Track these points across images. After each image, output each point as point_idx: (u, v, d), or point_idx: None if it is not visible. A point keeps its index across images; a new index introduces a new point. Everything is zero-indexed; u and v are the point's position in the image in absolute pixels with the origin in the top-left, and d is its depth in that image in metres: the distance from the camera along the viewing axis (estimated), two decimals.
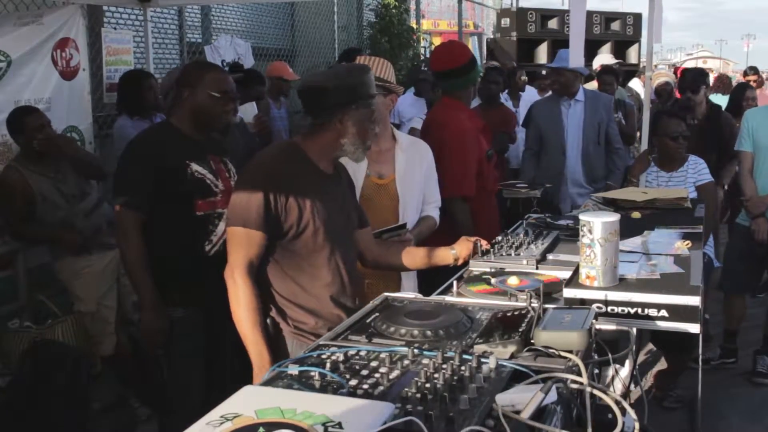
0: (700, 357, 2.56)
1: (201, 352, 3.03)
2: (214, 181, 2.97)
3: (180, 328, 2.99)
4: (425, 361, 1.57)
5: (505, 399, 1.35)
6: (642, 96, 7.19)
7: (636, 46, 10.39)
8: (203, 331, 3.01)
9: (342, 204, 2.55)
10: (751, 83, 8.67)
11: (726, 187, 5.18)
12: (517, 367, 1.51)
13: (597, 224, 2.05)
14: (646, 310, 1.99)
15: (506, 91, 6.96)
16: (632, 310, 2.00)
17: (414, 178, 3.19)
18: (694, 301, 1.96)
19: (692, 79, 5.39)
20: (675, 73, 9.61)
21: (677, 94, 6.14)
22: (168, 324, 2.98)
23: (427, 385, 1.44)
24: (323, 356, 1.63)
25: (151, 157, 2.93)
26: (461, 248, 2.62)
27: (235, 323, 2.33)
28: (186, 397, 3.02)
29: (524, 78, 7.35)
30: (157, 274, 2.96)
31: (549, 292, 2.10)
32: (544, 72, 8.17)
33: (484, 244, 2.64)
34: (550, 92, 6.14)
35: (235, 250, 2.33)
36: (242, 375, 2.51)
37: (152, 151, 2.95)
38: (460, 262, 2.64)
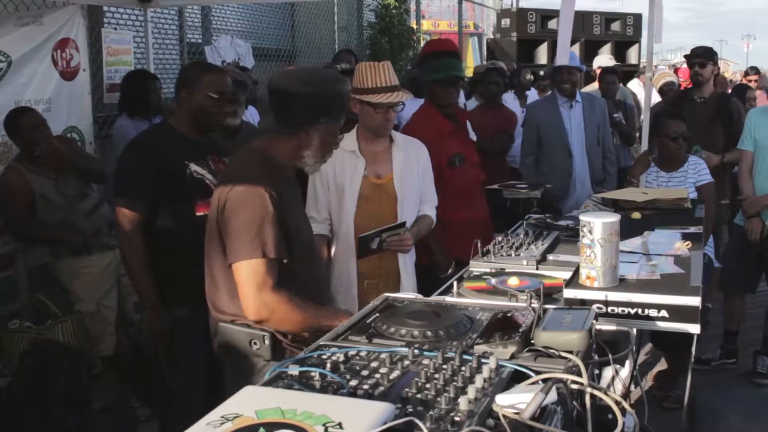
0: (692, 356, 2.55)
1: (202, 352, 3.03)
2: (214, 181, 2.97)
3: (182, 329, 3.00)
4: (425, 361, 1.57)
5: (505, 399, 1.35)
6: (639, 96, 7.22)
7: (636, 46, 10.40)
8: (205, 331, 3.01)
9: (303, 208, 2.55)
10: (752, 83, 8.68)
11: (725, 159, 5.09)
12: (518, 368, 1.51)
13: (597, 225, 2.05)
14: (646, 311, 1.99)
15: (512, 91, 6.97)
16: (632, 311, 2.00)
17: (411, 176, 3.20)
18: (695, 301, 1.96)
19: (702, 52, 5.27)
20: (675, 73, 9.61)
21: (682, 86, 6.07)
22: (170, 324, 2.99)
23: (428, 386, 1.44)
24: (323, 356, 1.63)
25: (150, 157, 2.93)
26: None
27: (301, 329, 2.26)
28: (187, 397, 3.02)
29: (529, 77, 7.35)
30: (158, 275, 2.97)
31: (549, 293, 2.10)
32: (542, 72, 8.15)
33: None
34: (549, 92, 6.12)
35: (257, 284, 2.17)
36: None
37: (151, 152, 2.95)
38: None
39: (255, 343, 2.29)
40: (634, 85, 8.00)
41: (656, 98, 6.61)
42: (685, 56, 5.46)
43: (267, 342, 2.27)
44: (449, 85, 3.69)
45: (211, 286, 2.39)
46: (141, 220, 2.93)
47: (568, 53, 4.48)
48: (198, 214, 2.94)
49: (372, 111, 3.03)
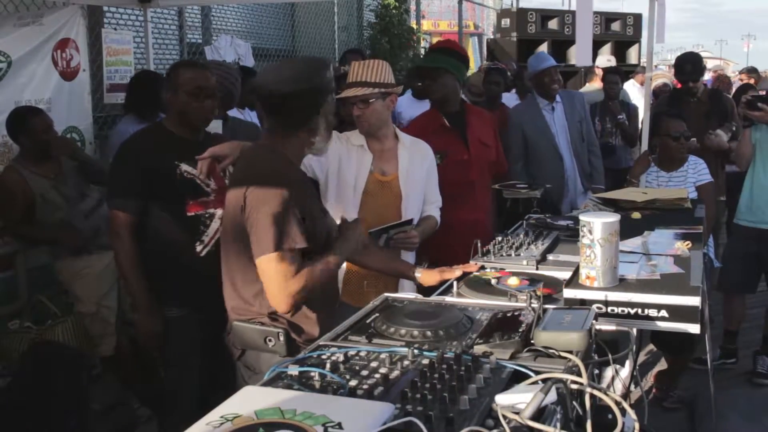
0: (709, 358, 2.58)
1: (196, 351, 3.03)
2: (205, 180, 2.95)
3: (175, 328, 3.00)
4: (425, 361, 1.57)
5: (504, 399, 1.35)
6: (631, 96, 7.23)
7: (636, 46, 10.39)
8: (199, 331, 3.00)
9: (320, 203, 2.56)
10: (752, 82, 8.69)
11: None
12: (517, 368, 1.51)
13: (597, 225, 2.05)
14: (646, 311, 1.99)
15: (514, 90, 6.96)
16: (632, 311, 2.00)
17: (416, 176, 3.20)
18: (694, 301, 1.96)
19: (692, 70, 5.36)
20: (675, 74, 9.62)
21: (678, 85, 6.12)
22: (162, 325, 2.99)
23: (427, 386, 1.44)
24: (323, 356, 1.63)
25: (140, 158, 2.95)
26: (426, 276, 2.52)
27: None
28: (181, 397, 3.02)
29: None
30: (152, 274, 2.98)
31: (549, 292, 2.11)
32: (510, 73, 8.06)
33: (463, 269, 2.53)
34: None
35: (283, 275, 2.19)
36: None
37: (141, 152, 2.97)
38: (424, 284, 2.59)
39: (270, 340, 2.31)
40: (629, 86, 7.99)
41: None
42: (676, 74, 5.56)
43: (282, 339, 2.29)
44: (423, 77, 3.83)
45: (230, 289, 2.41)
46: (132, 221, 2.94)
47: (590, 53, 4.42)
48: (189, 214, 2.94)
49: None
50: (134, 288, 2.98)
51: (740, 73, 10.00)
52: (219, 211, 2.94)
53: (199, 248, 2.95)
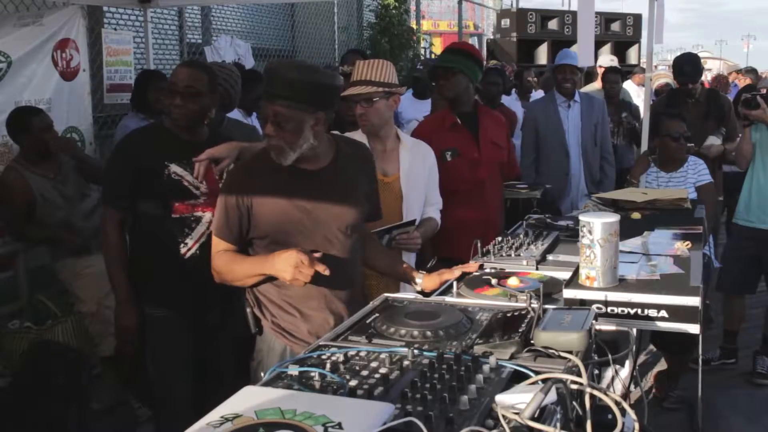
0: (700, 357, 2.59)
1: (185, 351, 3.01)
2: (195, 183, 2.91)
3: (159, 328, 2.99)
4: (425, 361, 1.57)
5: (504, 399, 1.35)
6: (631, 96, 7.26)
7: (636, 46, 10.41)
8: (187, 332, 2.99)
9: (333, 200, 2.46)
10: (749, 81, 8.69)
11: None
12: (517, 368, 1.51)
13: (597, 225, 2.05)
14: (646, 311, 1.99)
15: (514, 91, 6.98)
16: (632, 311, 2.00)
17: (417, 177, 3.20)
18: (694, 301, 1.96)
19: (692, 71, 5.38)
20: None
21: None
22: (137, 322, 2.98)
23: (427, 386, 1.44)
24: (323, 357, 1.63)
25: (132, 156, 2.95)
26: (427, 282, 2.54)
27: (242, 282, 2.44)
28: (171, 397, 3.01)
29: (531, 78, 7.33)
30: (139, 273, 2.99)
31: (549, 292, 2.11)
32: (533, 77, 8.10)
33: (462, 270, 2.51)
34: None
35: (213, 252, 2.45)
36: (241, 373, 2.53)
37: (134, 151, 2.97)
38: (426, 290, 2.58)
39: (248, 314, 2.48)
40: (626, 86, 8.00)
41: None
42: (675, 75, 5.58)
43: (248, 313, 2.47)
44: (437, 77, 3.88)
45: None
46: (121, 218, 2.97)
47: (592, 54, 4.47)
48: (174, 215, 2.93)
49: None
50: (115, 283, 3.00)
51: (737, 73, 10.00)
52: (207, 215, 2.90)
53: (183, 250, 2.93)
